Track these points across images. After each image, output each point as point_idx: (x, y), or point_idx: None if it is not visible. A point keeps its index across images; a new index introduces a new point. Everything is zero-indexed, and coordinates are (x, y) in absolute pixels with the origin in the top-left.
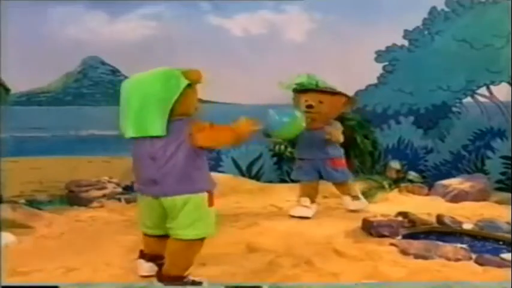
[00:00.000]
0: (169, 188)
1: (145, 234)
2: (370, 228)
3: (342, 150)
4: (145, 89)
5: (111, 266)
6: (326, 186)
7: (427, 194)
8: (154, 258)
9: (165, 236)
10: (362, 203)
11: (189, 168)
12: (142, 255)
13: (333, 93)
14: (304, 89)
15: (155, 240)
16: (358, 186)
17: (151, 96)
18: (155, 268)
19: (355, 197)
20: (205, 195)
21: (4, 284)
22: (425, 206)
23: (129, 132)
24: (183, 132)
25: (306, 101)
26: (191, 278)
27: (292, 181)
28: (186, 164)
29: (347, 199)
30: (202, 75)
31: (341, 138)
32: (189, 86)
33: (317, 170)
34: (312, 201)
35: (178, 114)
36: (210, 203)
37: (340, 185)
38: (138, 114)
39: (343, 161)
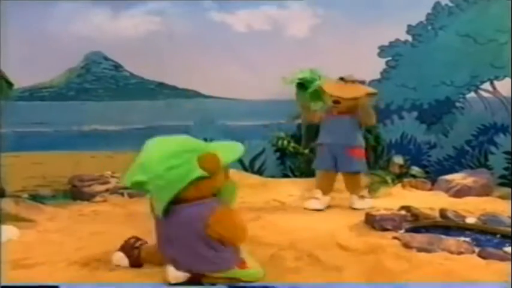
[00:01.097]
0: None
1: None
2: (373, 222)
3: (363, 142)
4: (157, 164)
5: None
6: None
7: (430, 189)
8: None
9: None
10: (367, 203)
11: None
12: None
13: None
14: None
15: None
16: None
17: (160, 172)
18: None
19: (361, 197)
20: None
21: (4, 284)
22: (428, 201)
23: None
24: (196, 221)
25: (331, 96)
26: None
27: (295, 176)
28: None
29: (354, 198)
30: (219, 164)
31: (373, 120)
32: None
33: (334, 158)
34: (325, 193)
35: (190, 200)
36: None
37: (352, 178)
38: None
39: (363, 152)
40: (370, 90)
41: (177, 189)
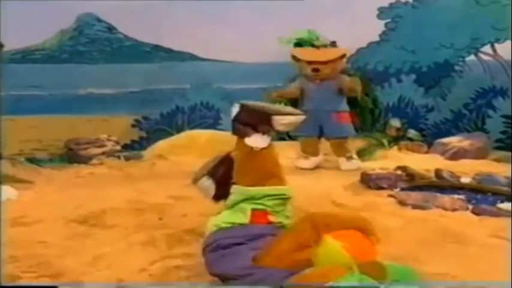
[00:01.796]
0: None
1: None
2: (369, 181)
3: (347, 105)
4: None
5: (113, 217)
6: (326, 145)
7: (426, 152)
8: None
9: None
10: (356, 163)
11: None
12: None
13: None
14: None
15: None
16: (354, 145)
17: None
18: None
19: (349, 158)
20: None
21: (4, 284)
22: (424, 163)
23: None
24: None
25: (310, 64)
26: None
27: (291, 138)
28: None
29: (341, 160)
30: None
31: (358, 90)
32: None
33: (319, 125)
34: (313, 155)
35: None
36: None
37: (340, 142)
38: None
39: (349, 115)
40: (344, 50)
41: None
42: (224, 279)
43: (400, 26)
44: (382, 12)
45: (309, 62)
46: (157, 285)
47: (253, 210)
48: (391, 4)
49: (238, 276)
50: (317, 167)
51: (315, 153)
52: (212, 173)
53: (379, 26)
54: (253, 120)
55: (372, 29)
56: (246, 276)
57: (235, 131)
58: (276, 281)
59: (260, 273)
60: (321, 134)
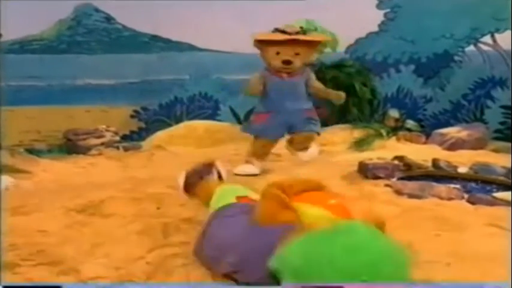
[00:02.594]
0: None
1: None
2: (366, 171)
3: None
4: None
5: (111, 206)
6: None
7: (425, 143)
8: None
9: None
10: (314, 150)
11: None
12: None
13: (309, 41)
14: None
15: None
16: (352, 135)
17: None
18: None
19: (304, 149)
20: None
21: (4, 283)
22: (422, 154)
23: None
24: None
25: (278, 53)
26: None
27: None
28: None
29: (300, 154)
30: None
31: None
32: None
33: (287, 125)
34: (260, 160)
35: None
36: None
37: (306, 138)
38: None
39: (315, 112)
40: (321, 37)
41: None
42: (219, 255)
43: (399, 16)
44: (381, 2)
45: (277, 53)
46: (157, 284)
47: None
48: None
49: (235, 245)
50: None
51: (266, 157)
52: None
53: (378, 16)
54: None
55: (371, 19)
56: (242, 243)
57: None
58: (273, 242)
59: (255, 235)
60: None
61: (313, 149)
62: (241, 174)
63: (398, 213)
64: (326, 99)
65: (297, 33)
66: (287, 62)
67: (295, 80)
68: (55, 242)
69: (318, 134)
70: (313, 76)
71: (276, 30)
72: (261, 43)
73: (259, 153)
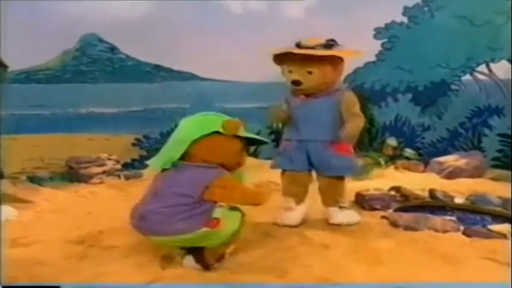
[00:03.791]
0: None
1: None
2: (363, 202)
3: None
4: (180, 128)
5: (111, 237)
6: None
7: (423, 171)
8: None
9: None
10: (350, 215)
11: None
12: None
13: (322, 57)
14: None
15: None
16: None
17: (179, 131)
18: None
19: (342, 207)
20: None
21: (4, 284)
22: (421, 183)
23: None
24: (199, 181)
25: (290, 72)
26: None
27: None
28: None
29: (332, 210)
30: (238, 127)
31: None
32: (221, 134)
33: (307, 156)
34: (299, 202)
35: (200, 160)
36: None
37: (334, 183)
38: (165, 146)
39: (350, 147)
40: (340, 52)
41: (193, 138)
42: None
43: (396, 46)
44: (378, 33)
45: (290, 71)
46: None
47: None
48: (386, 24)
49: None
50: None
51: (304, 196)
52: None
53: (376, 46)
54: None
55: (369, 49)
56: None
57: None
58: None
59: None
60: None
61: (349, 212)
62: (282, 225)
63: (393, 246)
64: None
65: (314, 47)
66: (296, 83)
67: (318, 101)
68: (53, 275)
69: (341, 178)
70: (349, 98)
71: (296, 44)
72: (277, 60)
73: (291, 192)
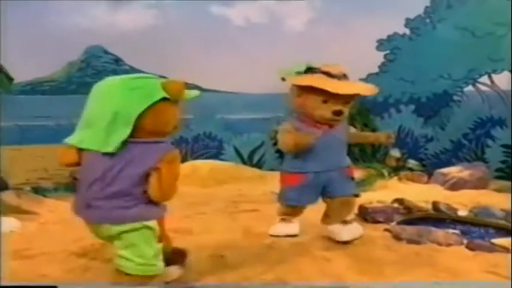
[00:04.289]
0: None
1: None
2: (366, 215)
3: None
4: (112, 96)
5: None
6: None
7: (427, 182)
8: None
9: None
10: (355, 228)
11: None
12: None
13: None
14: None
15: None
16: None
17: (115, 106)
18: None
19: (345, 222)
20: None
21: (4, 284)
22: (424, 194)
23: (78, 141)
24: (150, 160)
25: (326, 102)
26: None
27: None
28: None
29: (337, 228)
30: (184, 88)
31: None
32: (166, 99)
33: (321, 187)
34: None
35: (146, 133)
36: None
37: (345, 202)
38: (99, 124)
39: (353, 168)
40: (370, 86)
41: (139, 110)
42: None
43: (399, 58)
44: (380, 44)
45: (325, 101)
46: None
47: None
48: (389, 36)
49: None
50: None
51: (297, 214)
52: None
53: (379, 57)
54: None
55: (371, 61)
56: None
57: None
58: None
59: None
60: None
61: (355, 226)
62: (280, 236)
63: (396, 259)
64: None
65: (345, 75)
66: (339, 113)
67: (337, 132)
68: None
69: (357, 195)
70: (349, 127)
71: (321, 72)
72: (301, 89)
73: (290, 214)
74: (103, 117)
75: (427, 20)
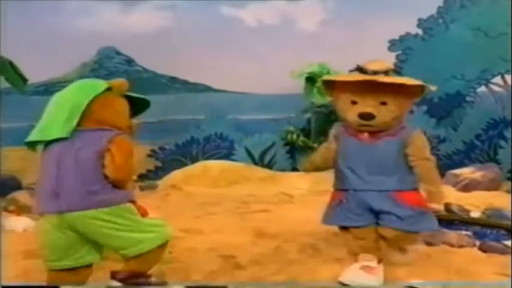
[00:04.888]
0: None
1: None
2: None
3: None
4: (64, 94)
5: None
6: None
7: None
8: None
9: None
10: (410, 255)
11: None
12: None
13: (397, 85)
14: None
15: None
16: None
17: (65, 100)
18: None
19: (403, 249)
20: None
21: (4, 284)
22: None
23: (37, 136)
24: (99, 143)
25: (355, 103)
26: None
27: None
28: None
29: (396, 254)
30: (125, 85)
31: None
32: (109, 91)
33: (368, 208)
34: (380, 260)
35: (95, 122)
36: (142, 213)
37: (405, 237)
38: (51, 118)
39: (421, 196)
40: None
41: (89, 98)
42: None
43: (411, 58)
44: (393, 45)
45: (354, 102)
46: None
47: None
48: (401, 36)
49: None
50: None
51: (378, 250)
52: None
53: (390, 58)
54: None
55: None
56: None
57: None
58: None
59: None
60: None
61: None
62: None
63: (408, 261)
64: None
65: (386, 72)
66: (366, 116)
67: (381, 144)
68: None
69: (409, 231)
70: (418, 140)
71: (357, 69)
72: (330, 87)
73: (366, 248)
74: (57, 110)
75: (440, 21)
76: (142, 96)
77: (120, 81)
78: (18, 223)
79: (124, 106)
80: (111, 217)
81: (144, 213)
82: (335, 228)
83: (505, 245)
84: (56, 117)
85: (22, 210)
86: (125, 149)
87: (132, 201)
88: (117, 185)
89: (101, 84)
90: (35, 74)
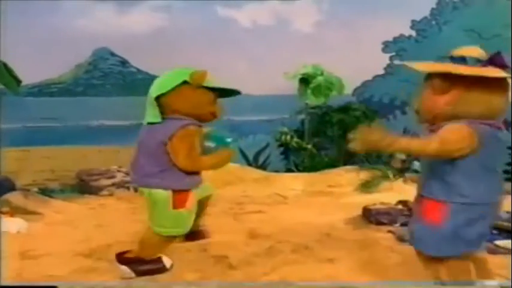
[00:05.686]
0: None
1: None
2: (370, 216)
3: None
4: (155, 83)
5: (118, 251)
6: (329, 176)
7: None
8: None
9: None
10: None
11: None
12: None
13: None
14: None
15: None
16: (359, 177)
17: (153, 88)
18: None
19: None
20: (166, 194)
21: (4, 283)
22: None
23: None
24: (167, 133)
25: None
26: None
27: (299, 170)
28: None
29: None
30: (205, 77)
31: None
32: (186, 83)
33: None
34: None
35: (171, 111)
36: (175, 204)
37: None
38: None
39: (444, 206)
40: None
41: (164, 90)
42: None
43: (405, 59)
44: (386, 46)
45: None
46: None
47: None
48: (395, 38)
49: None
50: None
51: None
52: None
53: (384, 59)
54: None
55: (377, 63)
56: None
57: None
58: None
59: None
60: None
61: None
62: None
63: (399, 261)
64: None
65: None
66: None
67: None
68: None
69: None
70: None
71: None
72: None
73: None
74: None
75: (433, 22)
76: (229, 88)
77: (198, 74)
78: (12, 224)
79: (202, 96)
80: (150, 200)
81: (177, 206)
82: (327, 229)
83: (496, 245)
84: (148, 104)
85: (15, 211)
86: (185, 143)
87: (183, 190)
88: (185, 172)
89: (180, 76)
90: (29, 75)
